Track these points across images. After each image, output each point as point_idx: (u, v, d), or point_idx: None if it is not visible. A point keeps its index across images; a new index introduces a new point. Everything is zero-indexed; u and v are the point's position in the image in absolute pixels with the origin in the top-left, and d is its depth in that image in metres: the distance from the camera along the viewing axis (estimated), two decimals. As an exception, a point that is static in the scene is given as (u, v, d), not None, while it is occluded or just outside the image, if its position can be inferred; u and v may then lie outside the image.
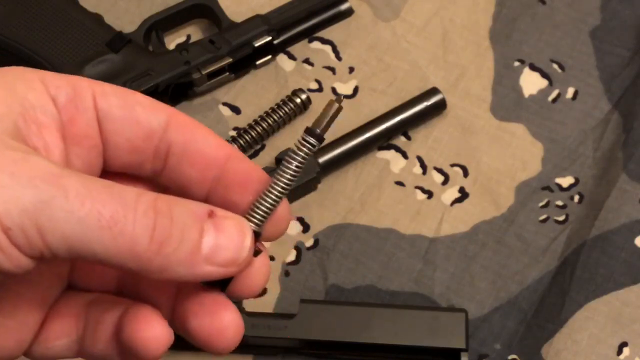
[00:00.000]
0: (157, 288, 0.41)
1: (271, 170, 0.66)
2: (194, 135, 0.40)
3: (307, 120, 0.70)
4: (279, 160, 0.68)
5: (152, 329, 0.38)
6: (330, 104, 0.39)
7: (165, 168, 0.41)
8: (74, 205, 0.34)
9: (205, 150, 0.40)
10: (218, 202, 0.40)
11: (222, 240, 0.37)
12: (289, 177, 0.39)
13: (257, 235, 0.39)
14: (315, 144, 0.39)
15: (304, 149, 0.39)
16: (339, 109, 0.39)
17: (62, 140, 0.39)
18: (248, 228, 0.38)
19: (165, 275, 0.36)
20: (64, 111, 0.39)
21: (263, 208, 0.39)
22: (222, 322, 0.39)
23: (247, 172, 0.40)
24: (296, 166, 0.39)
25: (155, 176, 0.42)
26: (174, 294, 0.40)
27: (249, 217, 0.39)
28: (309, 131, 0.39)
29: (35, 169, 0.34)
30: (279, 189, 0.39)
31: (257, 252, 0.39)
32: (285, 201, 0.40)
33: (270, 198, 0.39)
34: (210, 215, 0.37)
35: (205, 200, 0.41)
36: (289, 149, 0.39)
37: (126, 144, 0.40)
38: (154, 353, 0.38)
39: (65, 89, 0.39)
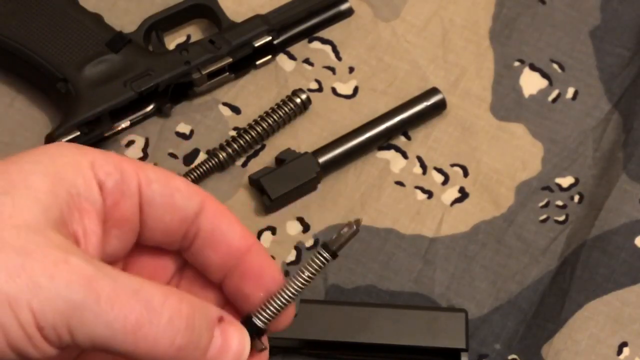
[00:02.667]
0: None
1: (271, 171, 0.66)
2: (222, 223, 0.43)
3: (307, 120, 0.70)
4: (279, 160, 0.68)
5: None
6: (349, 225, 0.43)
7: (191, 248, 0.44)
8: (104, 309, 0.37)
9: (230, 239, 0.43)
10: (231, 290, 0.44)
11: (225, 347, 0.41)
12: (299, 284, 0.43)
13: (262, 332, 0.43)
14: (329, 259, 0.42)
15: (318, 261, 0.43)
16: (356, 232, 0.43)
17: (100, 226, 0.41)
18: (248, 339, 0.42)
19: None
20: (109, 196, 0.41)
21: (272, 309, 0.43)
22: None
23: (263, 268, 0.43)
24: (308, 276, 0.43)
25: (181, 252, 0.45)
26: None
27: (257, 314, 0.43)
28: (325, 247, 0.43)
29: (73, 272, 0.37)
30: (289, 294, 0.43)
31: (261, 350, 0.43)
32: (292, 303, 0.43)
33: (280, 301, 0.43)
34: (220, 320, 0.41)
35: (221, 283, 0.44)
36: (304, 261, 0.44)
37: (163, 227, 0.43)
38: None
39: (114, 176, 0.41)
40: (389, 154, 0.70)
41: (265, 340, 0.44)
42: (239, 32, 0.70)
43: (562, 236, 0.67)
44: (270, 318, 0.43)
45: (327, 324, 0.60)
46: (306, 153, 0.68)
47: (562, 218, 0.68)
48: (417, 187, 0.68)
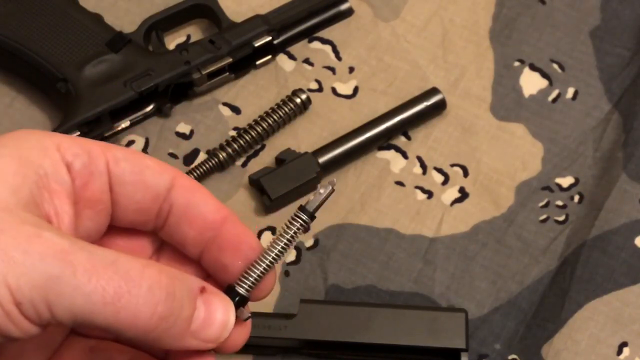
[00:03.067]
0: None
1: (271, 171, 0.66)
2: (194, 197, 0.43)
3: (307, 120, 0.70)
4: (279, 160, 0.68)
5: None
6: (324, 186, 0.43)
7: (165, 226, 0.44)
8: (81, 281, 0.36)
9: (204, 213, 0.43)
10: (210, 263, 0.44)
11: (210, 318, 0.40)
12: (280, 249, 0.42)
13: (245, 301, 0.42)
14: (307, 221, 0.42)
15: (297, 224, 0.42)
16: (332, 192, 0.43)
17: (71, 207, 0.41)
18: (232, 308, 0.41)
19: (156, 344, 0.39)
20: (78, 177, 0.41)
21: (254, 276, 0.42)
22: None
23: (240, 237, 0.43)
24: (288, 240, 0.42)
25: (156, 232, 0.44)
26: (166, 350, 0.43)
27: (239, 282, 0.42)
28: (302, 209, 0.42)
29: (46, 246, 0.36)
30: (270, 260, 0.42)
31: (246, 318, 0.42)
32: (273, 270, 0.43)
33: (261, 267, 0.42)
34: (202, 290, 0.40)
35: (199, 258, 0.44)
36: (283, 226, 0.42)
37: (135, 205, 0.43)
38: None
39: (81, 157, 0.41)
40: (389, 154, 0.70)
41: (248, 309, 0.43)
42: (239, 32, 0.70)
43: (562, 236, 0.67)
44: (253, 285, 0.42)
45: (327, 324, 0.60)
46: (306, 153, 0.68)
47: (562, 218, 0.68)
48: (417, 187, 0.69)
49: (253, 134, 0.69)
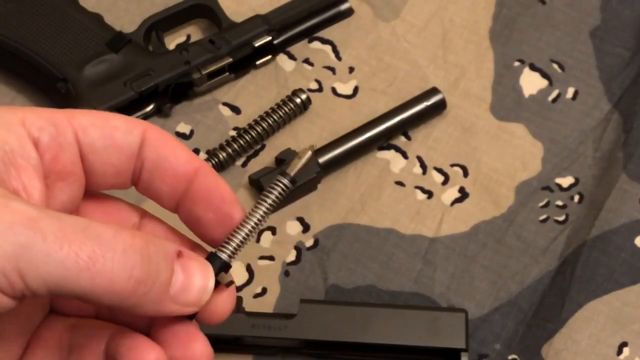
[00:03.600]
0: (133, 315, 0.42)
1: (271, 171, 0.66)
2: (165, 151, 0.42)
3: (307, 120, 0.70)
4: (279, 160, 0.68)
5: (149, 356, 0.40)
6: (304, 151, 0.43)
7: (139, 182, 0.43)
8: (52, 248, 0.35)
9: (175, 165, 0.42)
10: (185, 215, 0.43)
11: (188, 282, 0.39)
12: (261, 213, 0.42)
13: (227, 267, 0.42)
14: (288, 185, 0.42)
15: (278, 188, 0.42)
16: (312, 156, 0.43)
17: (40, 181, 0.40)
18: (211, 271, 0.41)
19: (135, 311, 0.38)
20: (47, 151, 0.40)
21: (236, 241, 0.42)
22: (193, 354, 0.41)
23: (211, 189, 0.42)
24: (269, 204, 0.42)
25: (135, 188, 0.43)
26: (149, 320, 0.42)
27: (222, 248, 0.42)
28: (283, 174, 0.42)
29: (14, 214, 0.36)
30: (252, 224, 0.42)
31: (229, 283, 0.42)
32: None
33: (243, 232, 0.42)
34: (179, 255, 0.40)
35: (174, 211, 0.43)
36: (263, 192, 0.42)
37: (111, 169, 0.42)
38: None
39: (47, 130, 0.40)
40: (389, 154, 0.70)
41: (230, 275, 0.42)
42: (239, 32, 0.70)
43: (562, 236, 0.67)
44: (235, 251, 0.42)
45: (327, 324, 0.60)
46: (306, 153, 0.68)
47: (562, 218, 0.68)
48: (417, 187, 0.69)
49: (253, 134, 0.69)
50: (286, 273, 0.65)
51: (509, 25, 0.74)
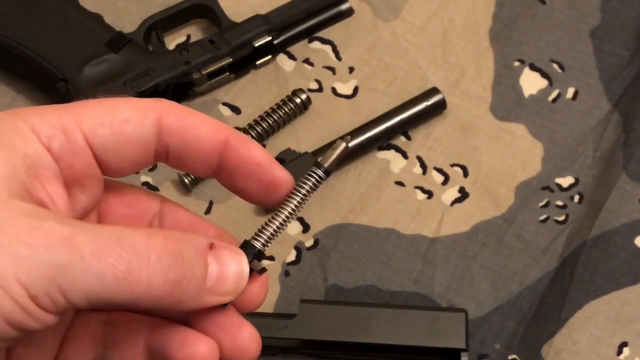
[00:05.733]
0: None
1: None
2: (185, 134, 0.42)
3: (307, 120, 0.70)
4: (279, 160, 0.68)
5: (201, 348, 0.41)
6: (338, 143, 0.43)
7: (168, 161, 0.43)
8: (90, 263, 0.36)
9: (201, 145, 0.42)
10: (229, 186, 0.43)
11: (223, 272, 0.40)
12: (295, 204, 0.43)
13: (261, 255, 0.42)
14: (322, 176, 0.43)
15: (312, 179, 0.43)
16: (346, 148, 0.43)
17: (63, 189, 0.40)
18: (244, 258, 0.41)
19: (175, 308, 0.39)
20: (60, 159, 0.40)
21: (270, 230, 0.42)
22: (244, 342, 0.42)
23: (244, 159, 0.42)
24: (303, 194, 0.43)
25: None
26: (186, 312, 0.42)
27: (256, 237, 0.42)
28: (318, 165, 0.43)
29: (49, 236, 0.36)
30: (285, 215, 0.43)
31: (262, 270, 0.42)
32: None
33: (277, 222, 0.42)
34: (211, 247, 0.40)
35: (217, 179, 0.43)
36: (297, 183, 0.43)
37: (128, 161, 0.42)
38: None
39: (58, 138, 0.40)
40: (389, 154, 0.70)
41: (264, 263, 0.43)
42: (239, 32, 0.70)
43: (562, 236, 0.67)
44: (269, 240, 0.42)
45: (327, 324, 0.60)
46: (306, 153, 0.68)
47: (562, 218, 0.68)
48: (417, 187, 0.69)
49: (253, 134, 0.69)
50: (286, 273, 0.65)
51: (509, 25, 0.74)
